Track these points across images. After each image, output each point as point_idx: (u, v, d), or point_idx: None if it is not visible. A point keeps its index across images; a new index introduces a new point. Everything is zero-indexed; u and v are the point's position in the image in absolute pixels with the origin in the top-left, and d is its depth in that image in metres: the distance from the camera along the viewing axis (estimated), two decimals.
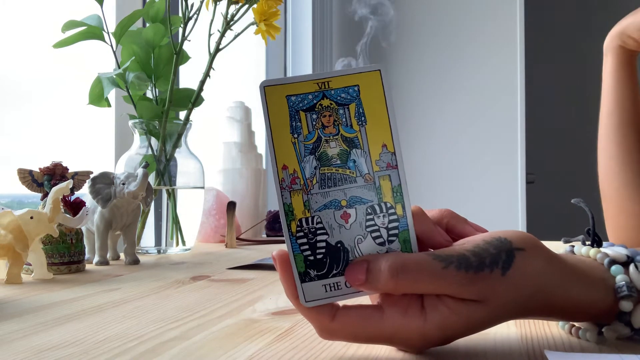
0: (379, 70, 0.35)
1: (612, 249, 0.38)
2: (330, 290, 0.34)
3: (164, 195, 0.95)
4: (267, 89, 0.34)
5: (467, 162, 2.50)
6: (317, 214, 0.34)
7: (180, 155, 0.98)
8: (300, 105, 0.34)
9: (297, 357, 0.36)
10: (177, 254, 0.94)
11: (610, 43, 0.87)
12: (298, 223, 0.34)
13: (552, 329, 0.42)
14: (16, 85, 1.10)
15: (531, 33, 2.67)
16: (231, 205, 1.08)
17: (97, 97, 0.97)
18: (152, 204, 0.91)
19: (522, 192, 2.43)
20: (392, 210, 0.35)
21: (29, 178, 0.80)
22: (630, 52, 0.85)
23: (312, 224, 0.34)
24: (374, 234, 0.35)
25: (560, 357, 0.33)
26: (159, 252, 0.95)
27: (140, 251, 0.94)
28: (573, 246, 0.40)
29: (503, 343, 0.38)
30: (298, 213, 0.34)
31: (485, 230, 0.38)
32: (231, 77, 1.52)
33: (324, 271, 0.34)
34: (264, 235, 1.33)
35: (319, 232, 0.34)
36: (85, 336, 0.41)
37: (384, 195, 0.35)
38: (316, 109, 0.34)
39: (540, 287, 0.34)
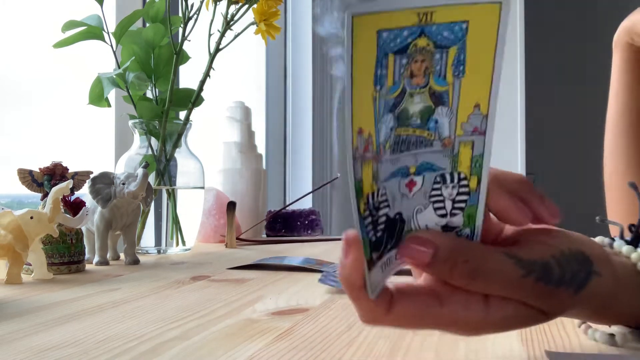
0: (500, 3, 0.27)
1: None
2: (385, 269, 0.29)
3: (164, 195, 0.95)
4: (356, 20, 0.25)
5: None
6: (383, 184, 0.28)
7: (180, 155, 0.98)
8: (392, 45, 0.26)
9: (297, 357, 0.36)
10: (177, 254, 0.94)
11: (618, 39, 0.79)
12: (365, 200, 0.28)
13: (552, 329, 0.42)
14: (16, 85, 1.10)
15: (531, 33, 2.67)
16: (231, 205, 1.08)
17: (97, 97, 0.97)
18: (152, 204, 0.91)
19: None
20: (464, 182, 0.30)
21: (29, 178, 0.80)
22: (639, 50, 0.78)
23: (377, 197, 0.28)
24: (436, 205, 0.30)
25: (561, 357, 0.33)
26: (159, 252, 0.95)
27: (140, 251, 0.94)
28: (613, 239, 0.38)
29: (503, 343, 0.38)
30: (367, 188, 0.28)
31: (558, 216, 0.33)
32: (231, 77, 1.52)
33: (381, 249, 0.29)
34: (264, 235, 1.33)
35: (382, 205, 0.29)
36: (85, 336, 0.41)
37: (460, 163, 0.29)
38: (408, 51, 0.27)
39: (604, 305, 0.34)
